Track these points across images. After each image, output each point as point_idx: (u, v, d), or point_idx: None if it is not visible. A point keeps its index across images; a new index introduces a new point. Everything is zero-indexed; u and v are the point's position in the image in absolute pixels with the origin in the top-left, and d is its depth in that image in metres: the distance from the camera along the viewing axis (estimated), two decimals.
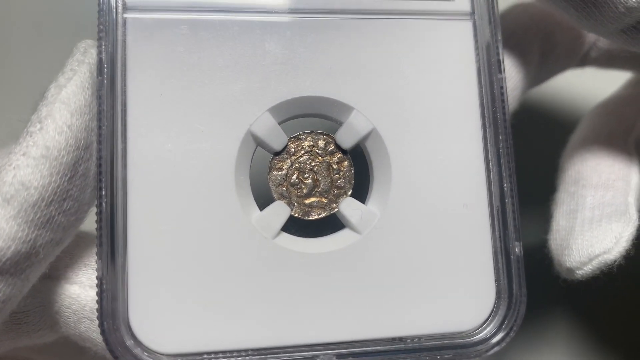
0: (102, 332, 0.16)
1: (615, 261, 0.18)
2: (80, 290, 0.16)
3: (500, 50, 0.18)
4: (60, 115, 0.15)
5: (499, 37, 0.18)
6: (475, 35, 0.19)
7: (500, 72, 0.18)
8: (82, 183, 0.16)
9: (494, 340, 0.18)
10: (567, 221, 0.19)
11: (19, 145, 0.15)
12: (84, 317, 0.17)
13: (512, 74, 0.20)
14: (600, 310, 0.26)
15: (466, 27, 0.19)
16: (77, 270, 0.17)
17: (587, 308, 0.26)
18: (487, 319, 0.18)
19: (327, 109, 0.18)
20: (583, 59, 0.22)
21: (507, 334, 0.18)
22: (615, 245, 0.18)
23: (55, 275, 0.16)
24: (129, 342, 0.16)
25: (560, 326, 0.26)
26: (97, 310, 0.16)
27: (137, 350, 0.16)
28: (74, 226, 0.16)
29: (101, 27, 0.17)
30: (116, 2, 0.17)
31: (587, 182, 0.19)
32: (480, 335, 0.18)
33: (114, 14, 0.17)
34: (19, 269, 0.15)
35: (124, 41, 0.17)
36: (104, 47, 0.17)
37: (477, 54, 0.19)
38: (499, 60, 0.18)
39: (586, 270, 0.18)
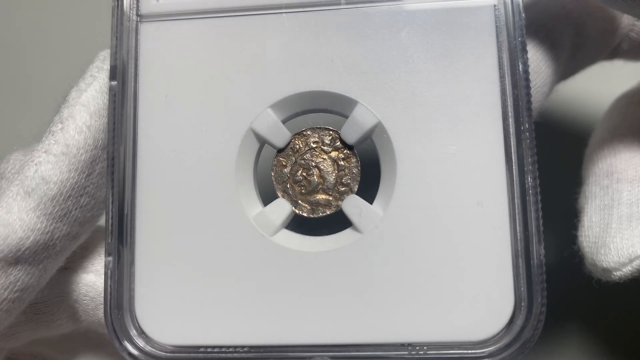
0: (108, 321, 0.17)
1: None
2: (97, 278, 0.18)
3: (523, 31, 0.17)
4: (81, 116, 0.17)
5: (522, 15, 0.17)
6: (495, 15, 0.17)
7: (524, 53, 0.16)
8: (99, 181, 0.17)
9: (508, 353, 0.16)
10: (601, 217, 0.17)
11: (42, 143, 0.17)
12: (101, 304, 0.18)
13: (542, 68, 0.18)
14: (616, 318, 0.23)
15: (485, 7, 0.17)
16: (93, 259, 0.18)
17: (602, 317, 0.23)
18: (502, 329, 0.16)
19: (331, 103, 0.17)
20: (613, 52, 0.19)
21: (524, 347, 0.16)
22: None
23: (72, 266, 0.18)
24: (133, 332, 0.17)
25: (574, 336, 0.23)
26: (104, 300, 0.17)
27: (140, 340, 0.17)
28: (89, 222, 0.17)
29: (117, 35, 0.18)
30: (130, 11, 0.18)
31: (622, 176, 0.17)
32: (494, 347, 0.16)
33: (128, 22, 0.18)
34: (37, 259, 0.16)
35: (137, 47, 0.18)
36: (117, 53, 0.18)
37: (498, 36, 0.17)
38: (522, 42, 0.17)
39: (625, 271, 0.16)
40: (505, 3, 0.17)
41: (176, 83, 0.18)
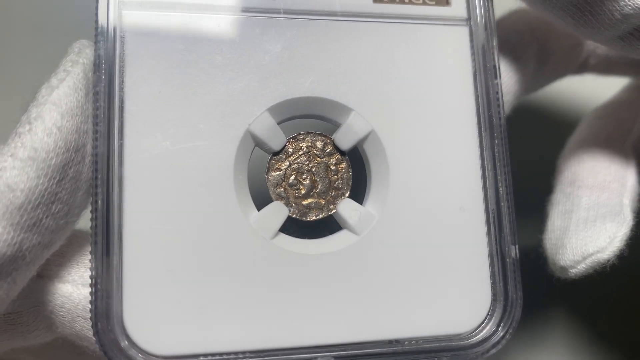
0: (96, 333, 0.15)
1: (608, 261, 0.18)
2: (73, 288, 0.16)
3: (496, 56, 0.19)
4: (50, 116, 0.15)
5: (495, 43, 0.19)
6: (472, 40, 0.19)
7: (496, 77, 0.19)
8: (73, 186, 0.16)
9: (491, 342, 0.18)
10: (562, 221, 0.20)
11: (7, 147, 0.15)
12: (78, 316, 0.16)
13: (505, 79, 0.20)
14: (596, 310, 0.27)
15: (462, 32, 0.19)
16: (69, 268, 0.16)
17: (583, 308, 0.27)
18: (483, 321, 0.18)
19: (326, 110, 0.18)
20: (582, 66, 0.22)
21: (503, 336, 0.18)
22: (608, 245, 0.18)
23: (48, 274, 0.16)
24: (124, 343, 0.16)
25: (557, 327, 0.26)
26: (90, 310, 0.15)
27: (132, 352, 0.16)
28: (63, 229, 0.16)
29: (99, 23, 0.17)
30: None
31: (583, 183, 0.20)
32: (477, 337, 0.18)
33: (112, 11, 0.17)
34: (4, 272, 0.14)
35: (123, 37, 0.17)
36: (102, 43, 0.16)
37: (474, 59, 0.19)
38: (494, 66, 0.19)
39: (579, 269, 0.19)
40: (479, 23, 0.19)
41: (170, 79, 0.17)
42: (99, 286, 0.15)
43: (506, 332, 0.18)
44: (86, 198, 0.16)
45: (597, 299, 0.26)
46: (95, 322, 0.15)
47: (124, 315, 0.16)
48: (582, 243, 0.19)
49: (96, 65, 0.16)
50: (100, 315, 0.15)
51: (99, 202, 0.16)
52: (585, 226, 0.19)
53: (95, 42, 0.16)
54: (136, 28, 0.17)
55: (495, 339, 0.18)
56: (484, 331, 0.18)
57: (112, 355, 0.15)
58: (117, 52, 0.17)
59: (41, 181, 0.15)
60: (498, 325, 0.18)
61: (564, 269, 0.19)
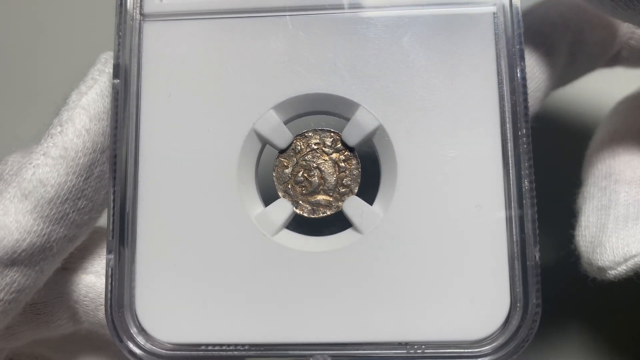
0: (109, 319, 0.17)
1: None
2: (96, 279, 0.18)
3: (522, 38, 0.17)
4: (80, 119, 0.17)
5: (521, 24, 0.17)
6: (495, 23, 0.17)
7: (522, 60, 0.17)
8: (97, 184, 0.17)
9: (504, 352, 0.16)
10: (598, 217, 0.17)
11: (40, 146, 0.16)
12: (101, 305, 0.18)
13: (537, 73, 0.18)
14: (613, 318, 0.23)
15: (484, 15, 0.17)
16: (92, 260, 0.18)
17: (599, 316, 0.23)
18: (498, 329, 0.16)
19: (333, 106, 0.18)
20: (613, 59, 0.20)
21: (519, 347, 0.16)
22: None
23: (72, 267, 0.18)
24: (134, 330, 0.17)
25: (571, 336, 0.23)
26: (105, 299, 0.17)
27: (140, 338, 0.17)
28: (87, 224, 0.17)
29: (120, 33, 0.18)
30: (134, 10, 0.18)
31: (620, 177, 0.17)
32: (490, 346, 0.16)
33: (131, 21, 0.18)
34: (33, 261, 0.16)
35: (140, 46, 0.18)
36: (121, 52, 0.18)
37: (496, 43, 0.17)
38: (520, 49, 0.17)
39: (620, 270, 0.16)
40: (504, 11, 0.17)
41: (179, 82, 0.18)
42: (113, 277, 0.17)
43: (523, 341, 0.16)
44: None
45: (614, 305, 0.23)
46: (109, 310, 0.17)
47: (135, 304, 0.17)
48: (624, 243, 0.16)
49: (115, 73, 0.18)
50: (114, 304, 0.17)
51: (116, 199, 0.17)
52: (625, 224, 0.17)
53: (115, 51, 0.18)
54: (153, 37, 0.18)
55: (511, 347, 0.16)
56: (499, 339, 0.16)
57: (122, 339, 0.17)
58: (135, 60, 0.18)
59: (70, 178, 0.16)
60: (515, 334, 0.16)
61: (602, 269, 0.17)
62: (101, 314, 0.18)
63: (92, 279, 0.18)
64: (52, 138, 0.16)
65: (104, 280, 0.18)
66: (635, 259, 0.16)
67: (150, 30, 0.18)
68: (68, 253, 0.17)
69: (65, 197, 0.16)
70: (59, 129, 0.17)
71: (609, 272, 0.17)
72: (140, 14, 0.18)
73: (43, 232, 0.16)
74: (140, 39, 0.18)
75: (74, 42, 0.30)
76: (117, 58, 0.18)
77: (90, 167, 0.17)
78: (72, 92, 0.17)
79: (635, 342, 0.23)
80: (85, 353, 0.21)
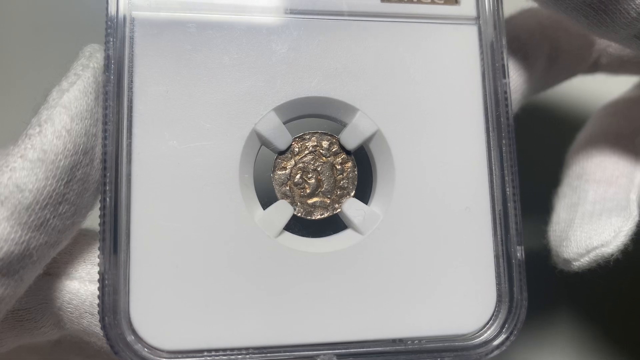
0: (103, 327, 0.16)
1: (612, 255, 0.18)
2: (80, 285, 0.16)
3: (505, 55, 0.19)
4: (60, 119, 0.15)
5: (504, 42, 0.19)
6: (480, 39, 0.19)
7: (504, 77, 0.18)
8: (80, 187, 0.16)
9: (495, 343, 0.18)
10: (567, 214, 0.19)
11: (17, 147, 0.15)
12: (85, 312, 0.17)
13: (514, 77, 0.20)
14: (602, 310, 0.26)
15: (471, 31, 0.19)
16: (77, 265, 0.17)
17: (588, 309, 0.26)
18: (487, 322, 0.18)
19: (332, 109, 0.18)
20: (593, 66, 0.22)
21: (507, 338, 0.18)
22: (613, 239, 0.18)
23: (55, 272, 0.16)
24: (130, 338, 0.16)
25: (562, 327, 0.26)
26: (98, 305, 0.16)
27: (138, 346, 0.16)
28: (70, 229, 0.16)
29: (109, 23, 0.17)
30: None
31: (591, 177, 0.20)
32: (481, 338, 0.18)
33: (122, 12, 0.17)
34: (12, 270, 0.15)
35: (132, 38, 0.17)
36: (111, 43, 0.17)
37: (482, 58, 0.19)
38: (503, 65, 0.19)
39: (583, 262, 0.18)
40: (489, 22, 0.19)
41: (177, 79, 0.17)
42: (106, 282, 0.16)
43: (510, 333, 0.18)
44: (93, 199, 0.17)
45: (600, 297, 0.26)
46: (102, 317, 0.16)
47: (130, 310, 0.16)
48: (587, 236, 0.18)
49: (106, 66, 0.17)
50: (108, 311, 0.16)
51: (108, 199, 0.16)
52: (590, 220, 0.19)
53: (105, 43, 0.17)
54: (145, 29, 0.17)
55: (499, 340, 0.18)
56: (488, 332, 0.18)
57: (118, 349, 0.16)
58: (127, 52, 0.17)
59: (49, 182, 0.15)
60: (502, 327, 0.18)
61: (567, 261, 0.19)
62: (85, 321, 0.17)
63: (76, 285, 0.16)
64: (29, 139, 0.15)
65: (88, 287, 0.17)
66: (597, 251, 0.18)
67: (143, 22, 0.17)
68: (50, 259, 0.16)
69: (44, 203, 0.15)
70: (37, 129, 0.15)
71: (573, 263, 0.19)
72: (131, 4, 0.17)
73: (22, 240, 0.15)
74: (132, 30, 0.17)
75: (60, 33, 0.27)
76: (106, 50, 0.17)
77: (72, 170, 0.16)
78: (53, 89, 0.16)
79: (621, 331, 0.26)
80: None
